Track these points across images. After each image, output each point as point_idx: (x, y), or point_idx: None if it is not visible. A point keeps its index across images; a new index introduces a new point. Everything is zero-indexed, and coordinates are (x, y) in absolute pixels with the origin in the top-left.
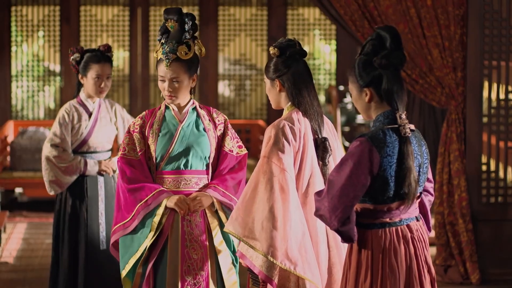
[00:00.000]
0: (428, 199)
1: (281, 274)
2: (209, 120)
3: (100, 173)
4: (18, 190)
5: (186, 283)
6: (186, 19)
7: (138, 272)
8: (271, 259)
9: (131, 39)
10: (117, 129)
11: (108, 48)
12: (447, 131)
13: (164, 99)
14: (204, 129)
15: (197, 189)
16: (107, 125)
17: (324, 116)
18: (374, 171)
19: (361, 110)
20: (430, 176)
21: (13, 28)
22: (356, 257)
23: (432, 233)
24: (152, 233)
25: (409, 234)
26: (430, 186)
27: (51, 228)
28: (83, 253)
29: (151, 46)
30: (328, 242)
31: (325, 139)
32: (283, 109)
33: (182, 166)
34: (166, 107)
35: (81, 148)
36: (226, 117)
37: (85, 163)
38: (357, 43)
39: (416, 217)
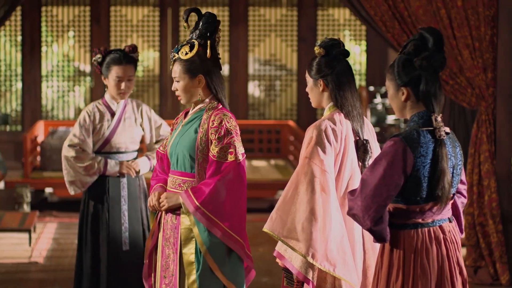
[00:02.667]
0: (461, 201)
1: (318, 275)
2: (205, 123)
3: (121, 174)
4: (48, 190)
5: (164, 280)
6: (190, 19)
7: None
8: (311, 260)
9: (161, 40)
10: (143, 130)
11: (133, 49)
12: (477, 132)
13: None
14: (197, 132)
15: (180, 191)
16: (131, 126)
17: (364, 117)
18: (408, 171)
19: (395, 109)
20: (463, 177)
21: (43, 28)
22: (388, 257)
23: (462, 234)
24: (151, 223)
25: (441, 235)
26: (463, 188)
27: None
28: (104, 253)
29: None
30: (364, 245)
31: (367, 141)
32: (322, 108)
33: (173, 166)
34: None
35: (104, 148)
36: (224, 121)
37: (105, 163)
38: (387, 43)
39: (448, 218)
